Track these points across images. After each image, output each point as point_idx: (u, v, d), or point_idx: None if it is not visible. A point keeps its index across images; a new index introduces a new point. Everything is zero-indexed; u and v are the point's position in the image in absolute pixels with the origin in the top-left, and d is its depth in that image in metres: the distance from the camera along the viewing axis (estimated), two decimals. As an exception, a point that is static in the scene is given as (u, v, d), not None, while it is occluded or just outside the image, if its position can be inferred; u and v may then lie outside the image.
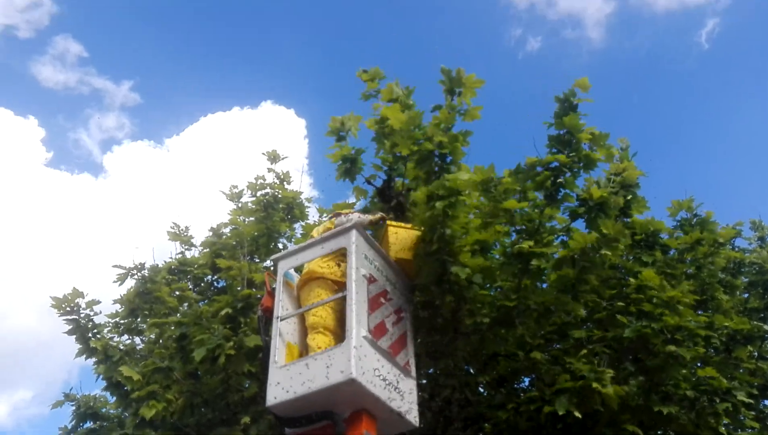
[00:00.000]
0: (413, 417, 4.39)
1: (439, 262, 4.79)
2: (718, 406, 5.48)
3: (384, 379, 4.16)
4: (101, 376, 6.13)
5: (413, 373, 4.71)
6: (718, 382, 5.51)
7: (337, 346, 4.09)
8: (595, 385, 4.75)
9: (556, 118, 5.09)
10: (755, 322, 6.83)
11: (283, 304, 4.72)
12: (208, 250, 7.90)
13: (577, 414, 4.81)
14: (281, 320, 4.59)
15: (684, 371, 5.59)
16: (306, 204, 8.02)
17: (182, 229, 8.54)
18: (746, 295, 8.13)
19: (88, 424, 7.02)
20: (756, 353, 6.95)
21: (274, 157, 7.64)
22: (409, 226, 5.38)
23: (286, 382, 4.07)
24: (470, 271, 4.74)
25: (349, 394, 3.92)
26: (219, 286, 7.98)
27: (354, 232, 4.63)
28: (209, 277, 7.81)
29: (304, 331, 4.77)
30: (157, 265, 8.15)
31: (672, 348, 5.26)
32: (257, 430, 5.77)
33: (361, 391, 3.88)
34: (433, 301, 5.35)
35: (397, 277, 5.09)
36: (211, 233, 8.05)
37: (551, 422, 5.17)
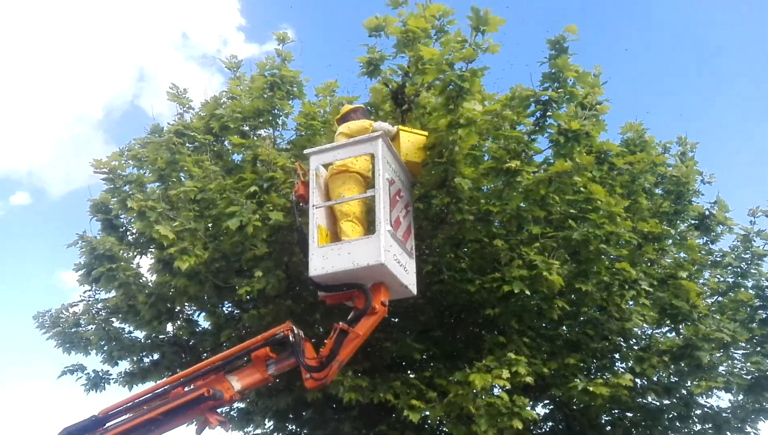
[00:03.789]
0: (414, 288, 5.78)
1: (444, 170, 5.90)
2: (627, 292, 7.27)
3: (398, 261, 5.44)
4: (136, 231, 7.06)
5: (413, 256, 6.01)
6: (629, 274, 7.25)
7: (369, 236, 5.26)
8: (545, 273, 6.28)
9: (549, 60, 6.04)
10: (665, 227, 8.60)
11: (316, 194, 5.75)
12: (205, 114, 8.52)
13: (527, 292, 6.40)
14: (316, 208, 5.65)
15: (607, 263, 7.27)
16: (303, 83, 8.62)
17: (181, 91, 8.98)
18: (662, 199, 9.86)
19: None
20: (660, 249, 8.80)
21: (283, 39, 8.05)
22: (417, 131, 6.36)
23: (326, 259, 5.26)
24: (468, 181, 5.88)
25: (376, 272, 5.18)
26: (216, 148, 8.69)
27: (380, 141, 5.58)
28: (210, 142, 8.50)
29: (331, 215, 5.87)
30: (158, 124, 8.75)
31: (604, 247, 6.84)
32: (266, 281, 7.02)
33: (386, 271, 5.15)
34: (429, 196, 6.53)
35: (406, 177, 6.18)
36: (209, 100, 8.61)
37: (504, 295, 6.76)
